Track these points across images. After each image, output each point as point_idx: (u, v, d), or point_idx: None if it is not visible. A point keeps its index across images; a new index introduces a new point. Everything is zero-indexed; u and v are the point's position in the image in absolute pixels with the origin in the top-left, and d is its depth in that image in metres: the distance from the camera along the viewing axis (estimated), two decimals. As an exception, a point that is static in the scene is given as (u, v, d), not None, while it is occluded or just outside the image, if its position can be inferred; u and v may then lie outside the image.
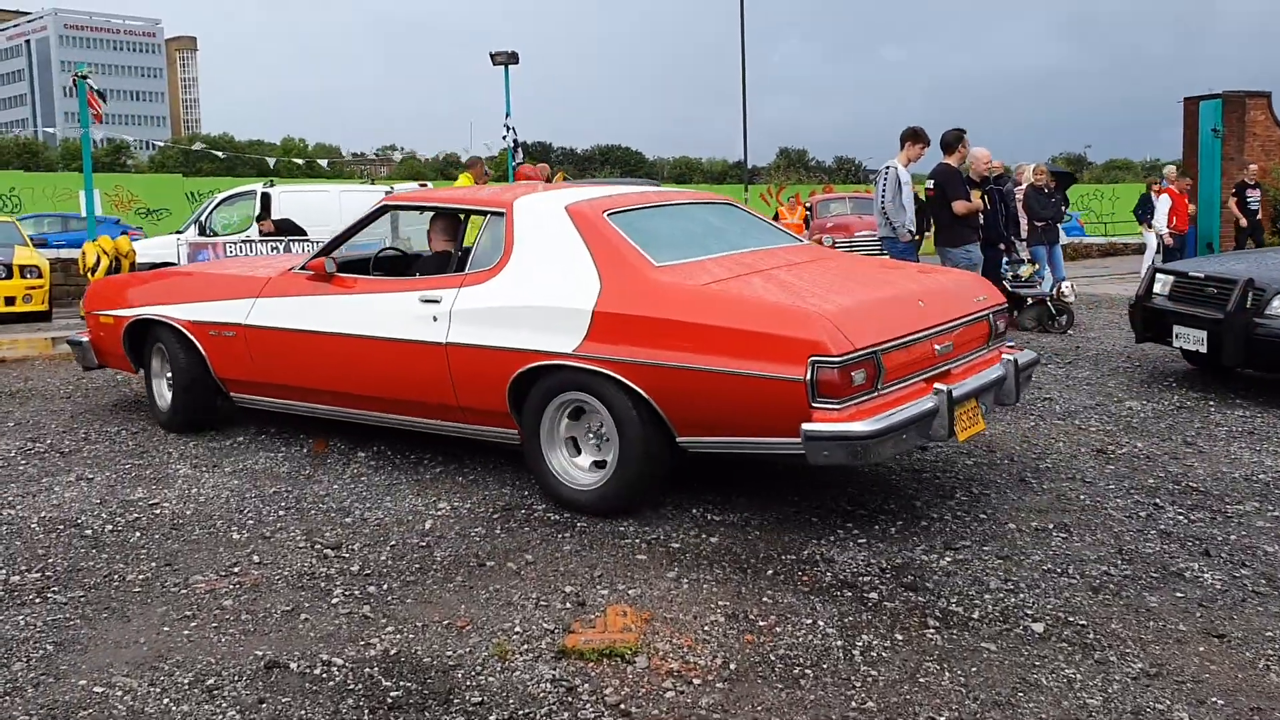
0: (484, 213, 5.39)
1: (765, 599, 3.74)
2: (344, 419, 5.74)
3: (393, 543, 4.34)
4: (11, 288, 13.18)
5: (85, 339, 6.84)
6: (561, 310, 4.71)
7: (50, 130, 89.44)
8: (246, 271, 6.27)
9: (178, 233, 17.03)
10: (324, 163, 37.58)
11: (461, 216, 5.81)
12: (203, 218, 16.60)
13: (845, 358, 4.07)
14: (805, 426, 4.08)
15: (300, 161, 34.12)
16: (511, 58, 20.68)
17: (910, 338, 4.44)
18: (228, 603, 3.75)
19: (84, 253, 14.61)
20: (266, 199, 16.63)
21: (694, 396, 4.39)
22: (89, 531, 4.50)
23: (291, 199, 16.73)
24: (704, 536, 4.40)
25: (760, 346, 4.20)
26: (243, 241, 15.92)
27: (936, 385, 4.44)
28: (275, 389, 5.90)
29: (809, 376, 4.06)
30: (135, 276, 7.50)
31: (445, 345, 5.02)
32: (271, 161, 27.38)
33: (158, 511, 4.76)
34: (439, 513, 4.71)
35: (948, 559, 4.12)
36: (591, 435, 4.79)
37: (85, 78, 17.12)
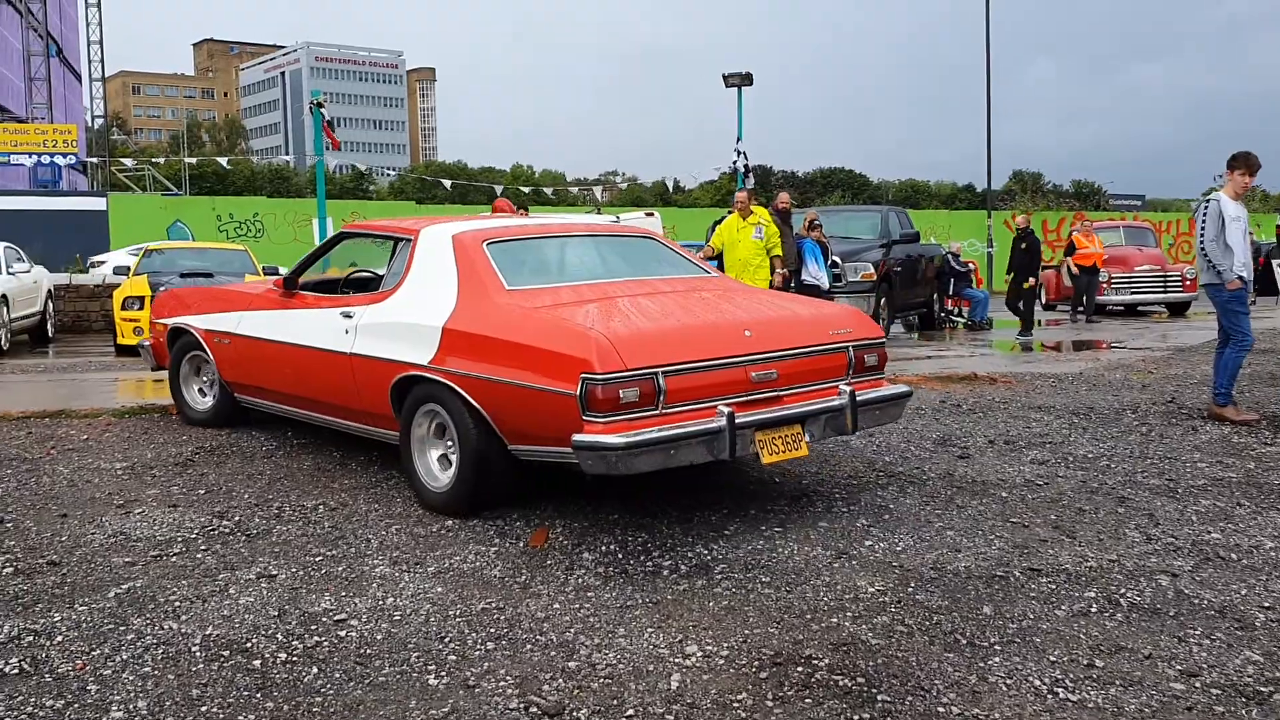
0: (398, 239, 5.98)
1: None
2: (297, 419, 6.58)
3: (629, 712, 3.25)
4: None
5: (149, 343, 7.86)
6: (423, 327, 5.29)
7: (294, 156, 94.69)
8: (251, 289, 7.13)
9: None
10: (549, 190, 37.53)
11: (392, 243, 6.14)
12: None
13: (612, 375, 4.47)
14: (574, 437, 4.51)
15: (526, 189, 34.07)
16: (745, 79, 19.70)
17: (708, 363, 4.78)
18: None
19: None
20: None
21: (510, 408, 4.88)
22: (258, 662, 3.60)
23: (516, 228, 16.20)
24: None
25: (548, 363, 4.66)
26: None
27: (720, 408, 4.71)
28: (253, 390, 6.78)
29: (579, 391, 4.48)
30: (189, 290, 8.09)
31: (350, 355, 5.72)
32: (498, 189, 27.26)
33: (343, 633, 3.84)
34: (687, 661, 3.59)
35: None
36: (450, 443, 5.24)
37: (321, 105, 17.13)
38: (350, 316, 5.77)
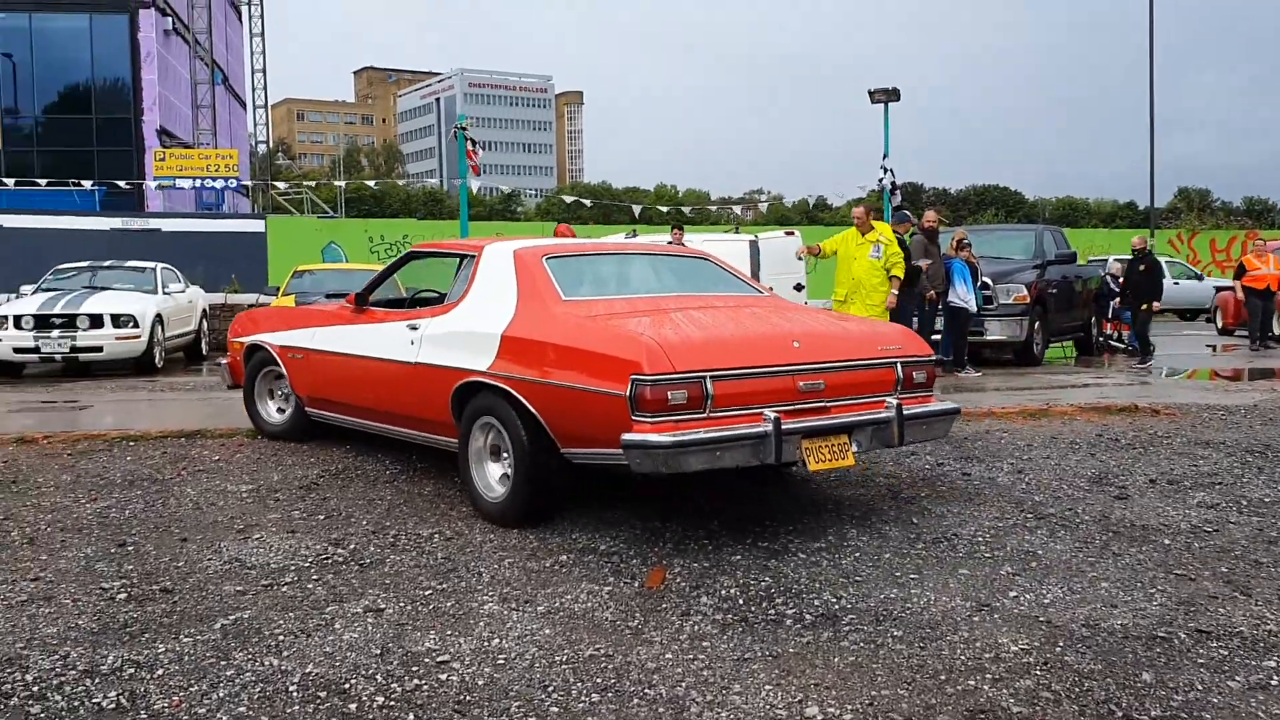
0: (464, 256, 6.28)
1: None
2: (372, 433, 6.80)
3: (740, 784, 2.96)
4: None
5: (225, 361, 8.11)
6: (483, 335, 5.52)
7: (441, 179, 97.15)
8: (325, 307, 7.53)
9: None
10: (687, 210, 37.40)
11: (458, 260, 6.42)
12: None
13: (661, 377, 4.64)
14: (624, 436, 4.67)
15: (664, 209, 33.99)
16: (891, 95, 19.18)
17: (755, 369, 4.95)
18: None
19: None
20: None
21: (562, 410, 5.05)
22: (354, 705, 3.44)
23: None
24: None
25: (601, 366, 4.85)
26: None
27: (766, 414, 4.84)
28: (324, 403, 7.02)
29: (629, 392, 4.65)
30: (265, 310, 8.53)
31: (414, 364, 5.95)
32: (636, 209, 27.18)
33: (444, 676, 3.66)
34: (807, 725, 3.29)
35: None
36: (505, 454, 5.40)
37: (464, 129, 17.34)
38: (416, 328, 6.04)
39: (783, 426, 4.84)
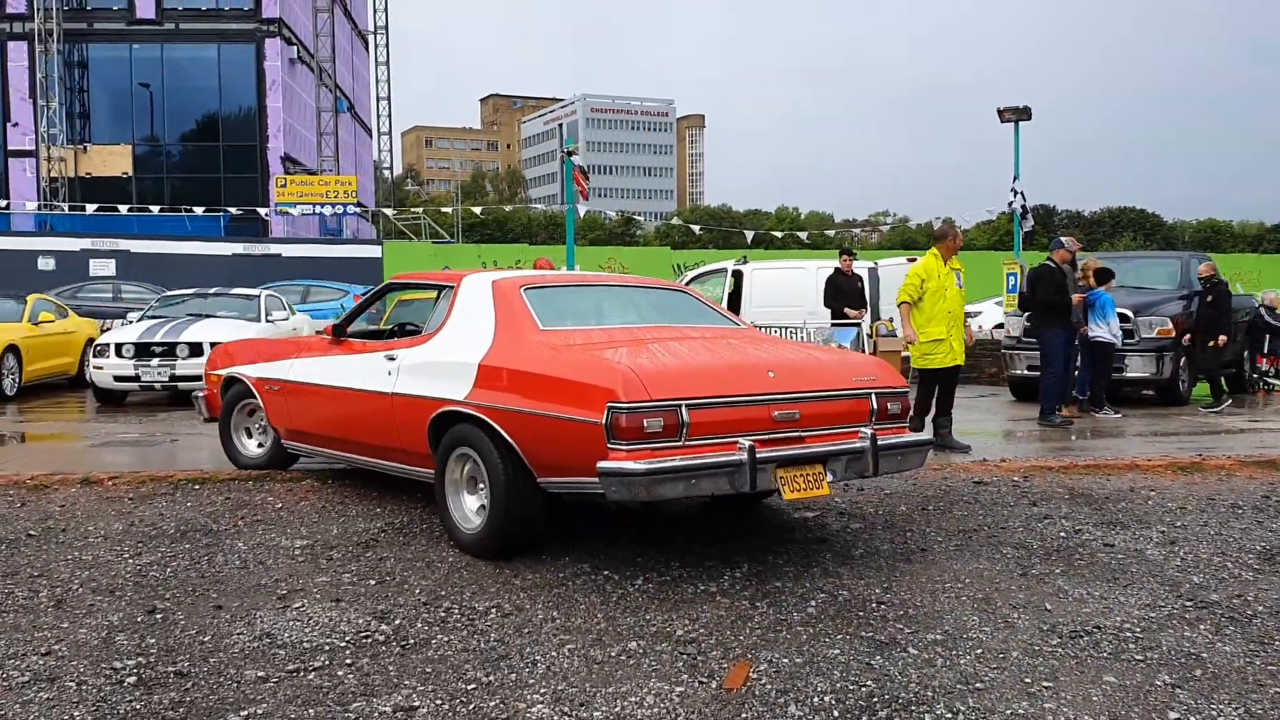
0: (442, 288, 6.27)
1: None
2: (346, 465, 6.93)
3: None
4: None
5: (202, 394, 8.02)
6: (460, 364, 5.51)
7: (549, 204, 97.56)
8: (302, 339, 7.55)
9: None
10: (803, 235, 36.38)
11: (436, 291, 6.42)
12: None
13: (637, 405, 4.69)
14: (599, 464, 4.70)
15: (778, 234, 33.02)
16: (1022, 113, 18.11)
17: (731, 399, 4.97)
18: None
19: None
20: (738, 277, 15.33)
21: (539, 439, 5.03)
22: None
23: (765, 277, 15.29)
24: None
25: (577, 394, 4.88)
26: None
27: (741, 442, 4.86)
28: (301, 434, 6.97)
29: (605, 420, 4.69)
30: (242, 343, 8.44)
31: (392, 394, 5.91)
32: (749, 235, 26.37)
33: (468, 808, 3.03)
34: None
35: None
36: (482, 484, 5.37)
37: (572, 154, 16.95)
38: (393, 359, 6.03)
39: (757, 455, 4.86)
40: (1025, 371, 12.97)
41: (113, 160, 37.01)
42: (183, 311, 14.14)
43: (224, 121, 38.58)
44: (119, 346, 12.62)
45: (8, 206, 33.60)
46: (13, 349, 13.62)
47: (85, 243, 27.11)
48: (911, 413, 6.13)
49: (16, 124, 35.98)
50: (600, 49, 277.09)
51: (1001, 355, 14.28)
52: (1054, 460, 8.31)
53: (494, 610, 4.71)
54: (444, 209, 38.39)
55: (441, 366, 5.67)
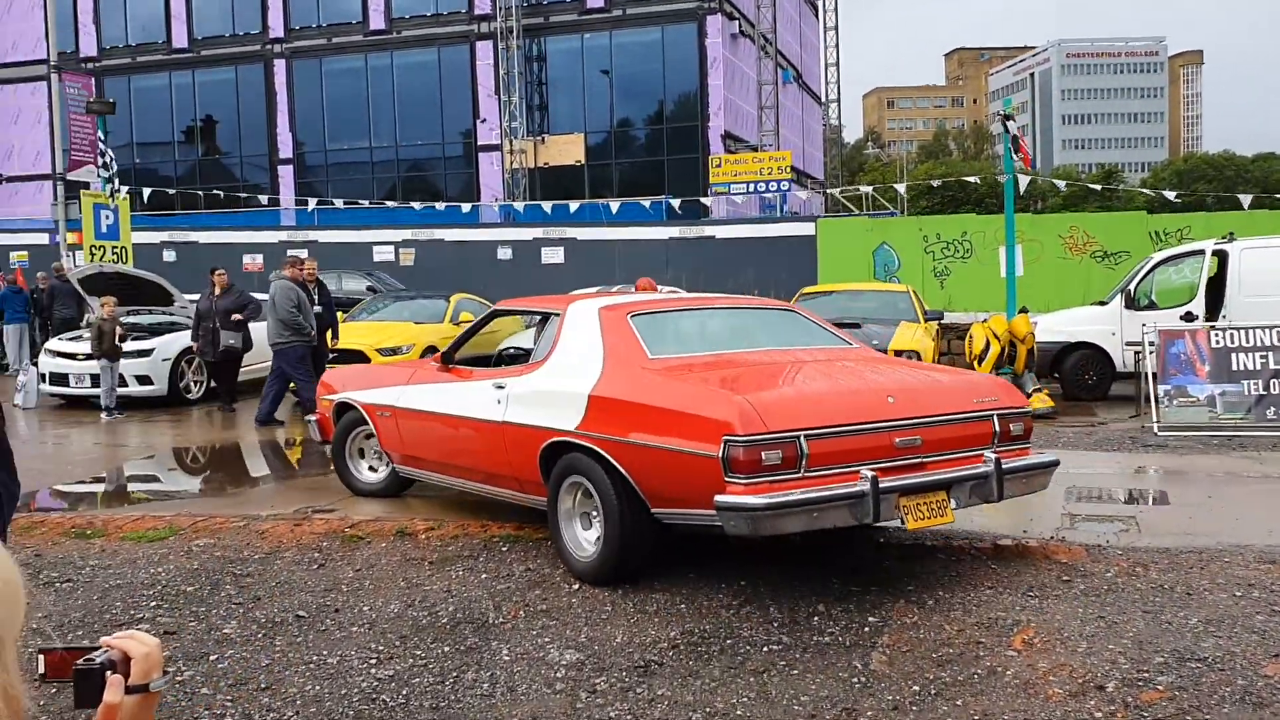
0: (548, 315, 6.38)
1: None
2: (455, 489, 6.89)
3: None
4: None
5: (314, 418, 7.92)
6: (570, 394, 5.49)
7: (1001, 176, 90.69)
8: (413, 365, 7.65)
9: (1100, 303, 13.56)
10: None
11: (540, 319, 6.84)
12: (1133, 284, 12.92)
13: (754, 438, 4.58)
14: (717, 498, 4.62)
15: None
16: None
17: (851, 427, 4.84)
18: None
19: (971, 336, 12.11)
20: (1222, 258, 12.33)
21: (653, 471, 5.03)
22: None
23: (1260, 258, 12.12)
24: None
25: (692, 427, 4.82)
26: (1184, 316, 11.93)
27: (863, 472, 4.72)
28: (413, 460, 6.93)
29: (722, 453, 4.60)
30: (354, 369, 8.64)
31: (502, 423, 5.94)
32: (1244, 200, 21.67)
33: None
34: None
35: None
36: (595, 513, 5.36)
37: (1010, 118, 14.73)
38: (502, 387, 6.02)
39: (880, 485, 4.73)
40: None
41: (568, 149, 38.74)
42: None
43: (667, 103, 39.10)
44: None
45: (478, 200, 36.28)
46: (432, 351, 13.95)
47: (537, 232, 28.27)
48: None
49: (484, 120, 38.74)
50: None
51: None
52: None
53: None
54: (897, 185, 36.09)
55: (551, 396, 5.65)
